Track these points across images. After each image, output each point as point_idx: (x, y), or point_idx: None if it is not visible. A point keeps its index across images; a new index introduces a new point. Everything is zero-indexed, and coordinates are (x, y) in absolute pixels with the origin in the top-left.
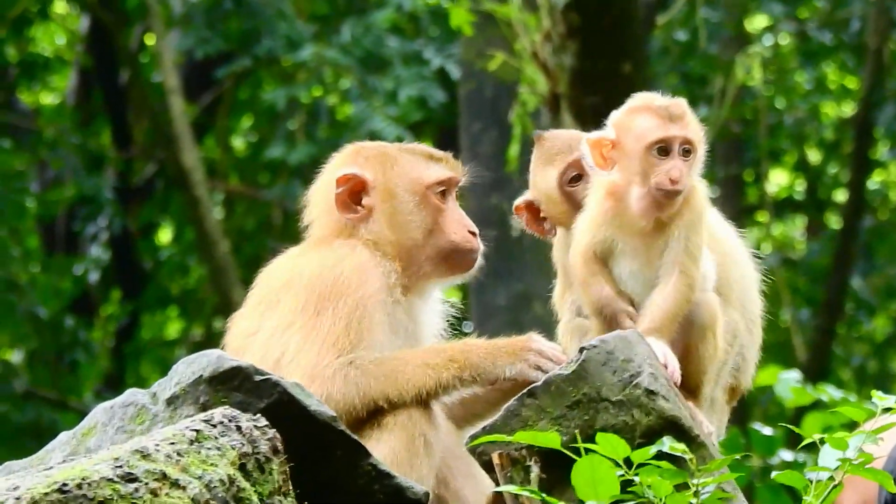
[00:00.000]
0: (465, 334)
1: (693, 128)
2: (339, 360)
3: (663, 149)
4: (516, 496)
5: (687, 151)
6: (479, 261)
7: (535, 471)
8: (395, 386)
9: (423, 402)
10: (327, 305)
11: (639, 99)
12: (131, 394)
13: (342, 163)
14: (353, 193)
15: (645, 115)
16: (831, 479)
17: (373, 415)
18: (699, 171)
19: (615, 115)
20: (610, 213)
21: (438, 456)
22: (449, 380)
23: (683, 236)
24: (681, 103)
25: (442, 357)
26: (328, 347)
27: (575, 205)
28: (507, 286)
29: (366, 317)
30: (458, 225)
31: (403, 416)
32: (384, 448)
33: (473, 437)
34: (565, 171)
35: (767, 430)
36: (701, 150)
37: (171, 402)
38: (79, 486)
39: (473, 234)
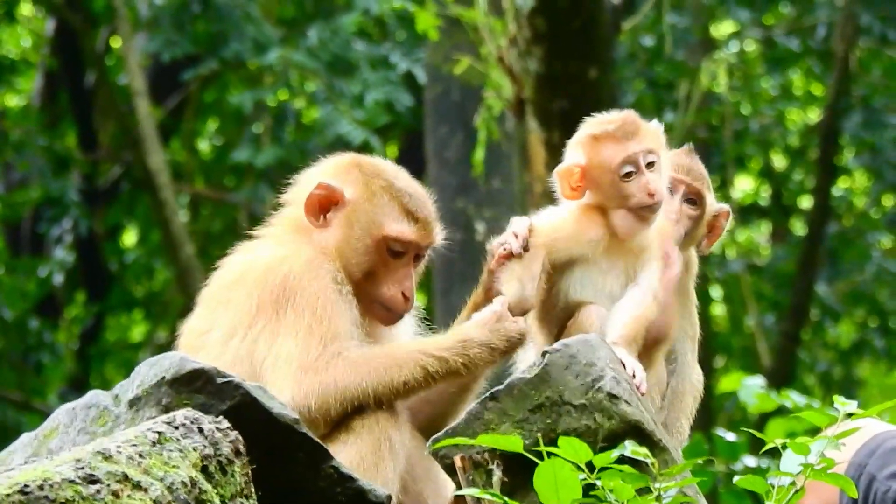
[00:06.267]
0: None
1: (650, 137)
2: (328, 349)
3: (630, 171)
4: (478, 499)
5: (651, 163)
6: (401, 318)
7: (497, 474)
8: (388, 377)
9: (408, 394)
10: (284, 304)
11: (590, 125)
12: (93, 395)
13: (334, 170)
14: (324, 203)
15: (602, 141)
16: (793, 484)
17: (342, 418)
18: (668, 176)
19: (574, 144)
20: (599, 229)
21: (403, 460)
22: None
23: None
24: (631, 117)
25: (431, 347)
26: (308, 340)
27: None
28: (472, 289)
29: (328, 305)
30: (395, 283)
31: (370, 420)
32: (352, 451)
33: (436, 440)
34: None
35: (731, 436)
36: (664, 154)
37: (134, 403)
38: (40, 488)
39: (407, 298)
